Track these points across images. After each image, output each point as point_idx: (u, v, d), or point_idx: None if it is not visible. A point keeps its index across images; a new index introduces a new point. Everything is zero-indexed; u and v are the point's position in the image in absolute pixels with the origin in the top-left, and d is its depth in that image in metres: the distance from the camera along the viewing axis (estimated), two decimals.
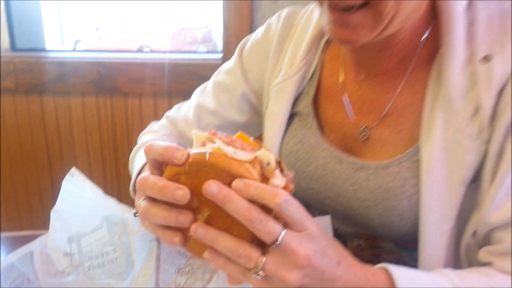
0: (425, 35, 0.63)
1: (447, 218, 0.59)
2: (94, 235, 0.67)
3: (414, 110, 0.64)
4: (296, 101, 0.74)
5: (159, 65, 1.33)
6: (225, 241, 0.45)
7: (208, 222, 0.46)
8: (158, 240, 0.67)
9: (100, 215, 0.68)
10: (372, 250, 0.71)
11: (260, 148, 0.45)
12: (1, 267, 0.65)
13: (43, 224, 1.49)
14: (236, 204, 0.43)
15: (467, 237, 0.61)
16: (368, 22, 0.55)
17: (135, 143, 0.81)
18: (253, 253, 0.45)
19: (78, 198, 0.68)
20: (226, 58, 1.14)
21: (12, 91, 1.41)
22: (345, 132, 0.70)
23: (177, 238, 0.48)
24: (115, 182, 1.42)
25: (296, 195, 0.78)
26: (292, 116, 0.75)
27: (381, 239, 0.70)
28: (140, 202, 0.49)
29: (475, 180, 0.59)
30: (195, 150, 0.44)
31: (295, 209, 0.46)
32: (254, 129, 0.85)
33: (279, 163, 0.47)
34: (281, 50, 0.76)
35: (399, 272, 0.52)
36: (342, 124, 0.70)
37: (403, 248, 0.67)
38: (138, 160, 0.74)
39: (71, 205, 0.67)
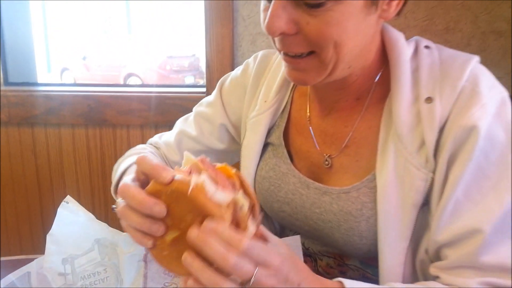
0: (377, 78, 0.71)
1: (402, 237, 0.66)
2: (86, 256, 0.72)
3: (370, 142, 0.71)
4: (269, 132, 0.82)
5: (146, 98, 1.41)
6: (209, 275, 0.49)
7: (176, 240, 0.50)
8: (145, 261, 0.73)
9: (92, 239, 0.73)
10: (340, 267, 0.78)
11: (239, 187, 0.51)
12: (2, 286, 0.71)
13: (33, 249, 1.53)
14: (212, 249, 0.48)
15: (421, 254, 0.68)
16: (314, 67, 0.64)
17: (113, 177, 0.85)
18: (232, 284, 0.50)
19: (72, 223, 0.73)
20: (209, 91, 1.22)
21: (5, 123, 1.47)
22: (312, 161, 0.77)
23: (150, 242, 0.52)
24: (103, 209, 1.47)
25: (270, 216, 0.86)
26: (265, 146, 0.82)
27: (347, 257, 0.77)
28: (121, 201, 0.53)
29: (427, 204, 0.66)
30: (180, 176, 0.49)
31: (258, 252, 0.51)
32: (232, 155, 0.92)
33: (252, 207, 0.52)
34: (257, 87, 0.84)
35: (351, 283, 0.58)
36: (309, 154, 0.77)
37: (367, 265, 0.74)
38: (123, 165, 0.80)
39: (65, 230, 0.73)
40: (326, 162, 0.75)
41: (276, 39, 0.64)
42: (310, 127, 0.78)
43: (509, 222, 0.61)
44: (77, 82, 9.96)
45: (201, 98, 0.95)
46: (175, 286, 0.74)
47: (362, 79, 0.71)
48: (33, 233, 1.57)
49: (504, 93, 0.65)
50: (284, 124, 0.81)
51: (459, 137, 0.62)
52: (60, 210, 0.73)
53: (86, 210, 0.75)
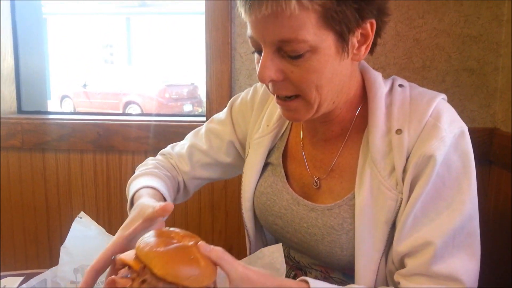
0: (358, 111, 0.81)
1: (376, 249, 0.75)
2: None
3: (351, 166, 0.80)
4: (269, 153, 0.91)
5: (150, 126, 1.52)
6: None
7: None
8: None
9: (101, 250, 0.76)
10: (326, 280, 0.86)
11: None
12: (25, 286, 0.78)
13: (38, 267, 1.60)
14: None
15: (389, 264, 0.76)
16: (302, 106, 0.74)
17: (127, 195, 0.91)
18: None
19: (84, 236, 0.79)
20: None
21: (18, 148, 1.56)
22: (304, 181, 0.86)
23: None
24: (107, 228, 1.54)
25: (264, 230, 0.96)
26: (265, 165, 0.92)
27: (331, 270, 0.85)
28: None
29: None
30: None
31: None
32: (236, 169, 1.02)
33: None
34: (261, 111, 0.94)
35: (315, 283, 0.67)
36: (302, 175, 0.86)
37: (350, 277, 0.81)
38: (134, 185, 0.88)
39: (77, 242, 0.79)
40: (315, 184, 0.84)
41: (268, 84, 0.74)
42: (303, 153, 0.87)
43: (459, 237, 0.70)
44: (77, 109, 10.07)
45: (200, 125, 1.05)
46: None
47: (345, 112, 0.81)
48: (39, 253, 1.63)
49: (463, 127, 0.74)
50: (283, 147, 0.90)
51: (420, 164, 0.71)
52: (74, 225, 0.80)
53: (97, 224, 0.81)
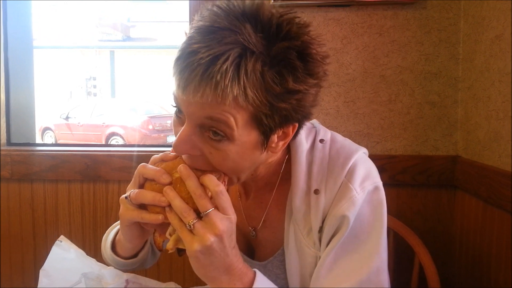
0: (283, 167, 0.82)
1: None
2: None
3: (280, 219, 0.82)
4: None
5: (134, 156, 1.57)
6: (179, 202, 0.65)
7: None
8: None
9: (80, 272, 0.80)
10: None
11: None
12: None
13: None
14: (192, 181, 0.65)
15: None
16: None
17: (113, 223, 0.94)
18: (191, 214, 0.65)
19: (63, 259, 0.81)
20: None
21: (6, 179, 1.61)
22: (243, 232, 0.88)
23: (160, 216, 0.67)
24: (92, 256, 1.58)
25: None
26: None
27: None
28: (131, 191, 0.69)
29: None
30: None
31: (225, 199, 0.66)
32: None
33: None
34: None
35: (261, 278, 0.70)
36: (242, 226, 0.88)
37: None
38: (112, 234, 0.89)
39: (57, 265, 0.80)
40: (252, 234, 0.87)
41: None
42: (241, 204, 0.89)
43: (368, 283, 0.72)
44: (59, 142, 10.00)
45: None
46: None
47: (270, 171, 0.82)
48: (25, 284, 1.65)
49: (377, 183, 0.76)
50: None
51: (334, 224, 0.74)
52: (54, 248, 0.81)
53: (77, 247, 0.83)
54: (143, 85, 15.06)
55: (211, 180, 0.66)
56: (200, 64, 0.59)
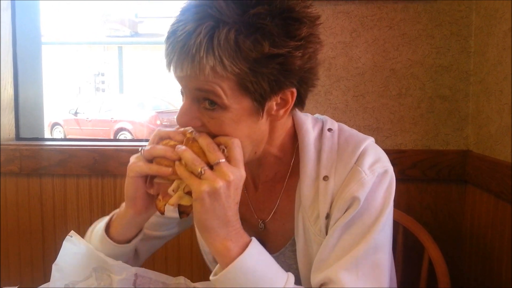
0: (294, 157, 0.81)
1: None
2: (85, 283, 0.81)
3: (290, 209, 0.82)
4: None
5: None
6: (190, 154, 0.67)
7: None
8: (134, 285, 0.81)
9: (90, 267, 0.81)
10: None
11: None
12: None
13: None
14: (204, 138, 0.68)
15: None
16: None
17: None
18: (202, 163, 0.67)
19: (74, 254, 0.82)
20: None
21: (15, 174, 1.62)
22: (251, 224, 0.87)
23: (170, 169, 0.69)
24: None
25: None
26: None
27: None
28: (146, 146, 0.73)
29: None
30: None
31: (239, 152, 0.69)
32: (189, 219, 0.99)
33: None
34: None
35: (256, 244, 0.70)
36: (250, 218, 0.87)
37: None
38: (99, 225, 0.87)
39: (68, 260, 0.82)
40: (260, 226, 0.86)
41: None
42: (247, 197, 0.88)
43: (363, 268, 0.72)
44: (68, 137, 10.09)
45: None
46: None
47: (278, 157, 0.82)
48: (34, 276, 1.66)
49: (388, 167, 0.77)
50: None
51: (343, 207, 0.73)
52: (65, 243, 0.82)
53: (87, 242, 0.84)
54: (151, 81, 15.11)
55: (225, 137, 0.69)
56: (178, 41, 0.64)
